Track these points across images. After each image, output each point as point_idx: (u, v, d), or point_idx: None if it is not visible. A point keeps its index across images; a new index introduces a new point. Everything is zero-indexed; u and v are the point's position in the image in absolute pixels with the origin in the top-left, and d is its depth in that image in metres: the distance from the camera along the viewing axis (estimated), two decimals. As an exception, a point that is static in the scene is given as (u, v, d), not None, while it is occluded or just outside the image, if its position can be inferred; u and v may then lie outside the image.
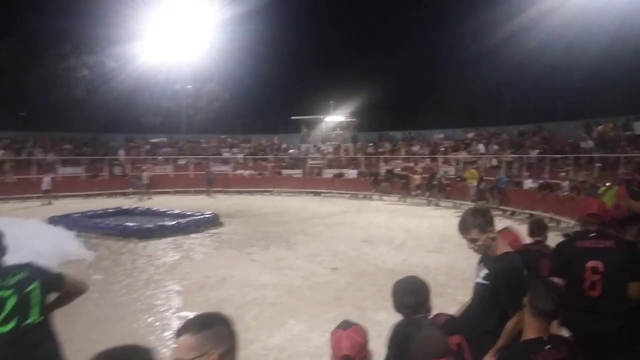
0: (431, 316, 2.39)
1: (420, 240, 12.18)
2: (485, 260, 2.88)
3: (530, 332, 2.27)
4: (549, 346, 2.17)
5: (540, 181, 16.47)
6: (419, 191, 20.80)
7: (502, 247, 2.83)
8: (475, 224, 2.76)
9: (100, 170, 25.96)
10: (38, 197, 21.35)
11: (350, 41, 44.73)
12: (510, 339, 2.57)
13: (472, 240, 2.78)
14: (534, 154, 20.64)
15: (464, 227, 2.80)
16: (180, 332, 1.51)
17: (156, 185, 24.32)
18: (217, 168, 27.07)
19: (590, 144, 18.54)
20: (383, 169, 24.53)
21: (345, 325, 2.03)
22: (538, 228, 4.19)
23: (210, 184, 24.39)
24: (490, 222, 2.80)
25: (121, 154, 27.82)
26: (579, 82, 26.53)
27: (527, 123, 24.91)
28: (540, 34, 26.99)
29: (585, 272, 3.02)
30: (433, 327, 1.99)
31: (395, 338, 2.06)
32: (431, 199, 20.14)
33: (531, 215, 15.37)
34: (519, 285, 2.60)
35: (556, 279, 2.99)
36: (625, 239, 3.51)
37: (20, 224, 10.78)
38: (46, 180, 21.27)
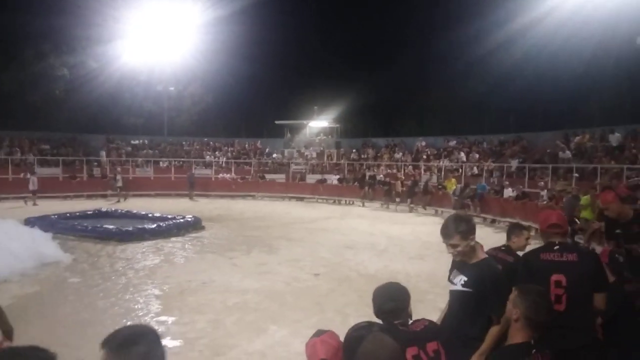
0: (411, 322, 2.39)
1: (402, 247, 12.24)
2: (461, 267, 2.89)
3: (519, 337, 2.27)
4: (534, 350, 2.19)
5: (516, 191, 16.69)
6: (400, 198, 20.92)
7: (481, 254, 2.86)
8: (458, 230, 2.80)
9: (78, 171, 25.49)
10: (15, 198, 20.94)
11: (335, 47, 44.97)
12: (495, 344, 2.58)
13: (453, 246, 2.81)
14: (514, 163, 21.00)
15: (447, 233, 2.83)
16: (102, 344, 1.50)
17: (131, 187, 24.02)
18: (199, 171, 26.88)
19: (568, 154, 18.93)
20: (367, 174, 24.63)
21: (319, 333, 2.06)
22: (506, 233, 4.23)
23: (192, 187, 24.17)
24: (472, 230, 2.85)
25: (102, 155, 27.40)
26: (558, 93, 27.19)
27: (507, 133, 25.35)
28: (522, 47, 27.64)
29: (549, 286, 2.99)
30: (383, 333, 1.96)
31: (345, 342, 2.07)
32: (412, 205, 20.29)
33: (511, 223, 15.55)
34: (503, 290, 2.63)
35: None
36: (589, 249, 3.54)
37: (-5, 225, 10.52)
38: (33, 180, 21.05)
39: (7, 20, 29.71)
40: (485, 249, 3.34)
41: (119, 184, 22.92)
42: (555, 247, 3.13)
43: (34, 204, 20.08)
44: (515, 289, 2.41)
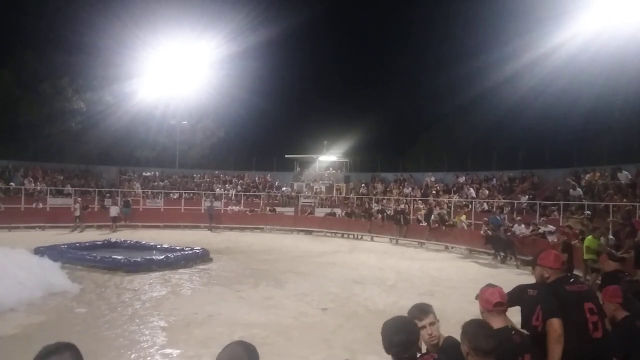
0: (419, 355, 2.39)
1: (412, 282, 12.07)
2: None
3: None
4: None
5: (532, 227, 16.44)
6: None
7: (442, 334, 2.81)
8: (431, 309, 2.80)
9: (90, 202, 25.71)
10: (26, 227, 21.38)
11: (344, 83, 45.91)
12: None
13: (432, 324, 2.75)
14: (524, 199, 20.84)
15: (425, 309, 2.77)
16: None
17: (140, 218, 24.33)
18: (209, 204, 26.99)
19: (579, 191, 18.78)
20: (375, 209, 24.58)
21: None
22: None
23: (212, 219, 24.49)
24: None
25: (137, 187, 28.00)
26: (566, 130, 27.27)
27: (516, 169, 25.27)
28: (528, 83, 27.95)
29: (585, 314, 3.05)
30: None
31: None
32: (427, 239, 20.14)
33: (522, 260, 15.33)
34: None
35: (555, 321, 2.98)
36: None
37: (6, 254, 10.59)
38: (114, 209, 23.19)
39: (30, 56, 30.94)
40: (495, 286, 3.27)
41: (77, 213, 22.46)
42: (571, 280, 3.29)
43: (114, 231, 22.07)
44: (462, 328, 2.44)
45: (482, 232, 17.61)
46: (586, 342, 2.98)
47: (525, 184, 22.96)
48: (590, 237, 11.31)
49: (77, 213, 22.56)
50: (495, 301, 2.82)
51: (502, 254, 16.49)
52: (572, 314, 3.06)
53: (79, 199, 23.96)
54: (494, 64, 28.05)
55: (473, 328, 2.39)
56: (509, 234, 16.55)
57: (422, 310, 2.78)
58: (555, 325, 2.97)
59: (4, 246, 12.35)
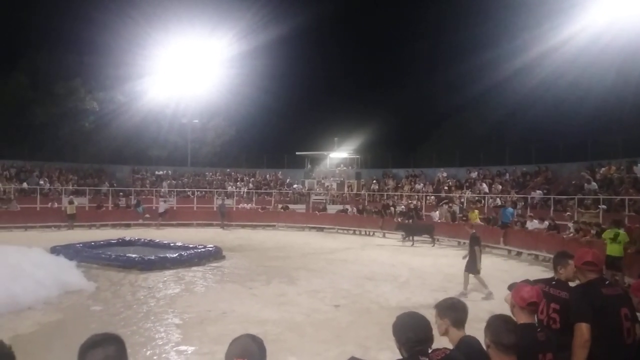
0: (430, 351, 2.37)
1: (424, 279, 12.01)
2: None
3: None
4: None
5: (547, 222, 16.28)
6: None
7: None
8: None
9: (104, 201, 26.01)
10: (42, 226, 21.66)
11: (355, 80, 45.76)
12: None
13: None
14: (538, 194, 20.62)
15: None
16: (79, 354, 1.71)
17: (153, 217, 24.53)
18: (220, 202, 27.14)
19: (594, 185, 18.51)
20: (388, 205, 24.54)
21: None
22: (552, 264, 3.89)
23: (224, 217, 24.66)
24: None
25: (164, 186, 28.42)
26: (578, 123, 26.89)
27: (529, 163, 25.00)
28: (540, 75, 27.59)
29: (621, 320, 2.96)
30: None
31: None
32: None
33: (537, 256, 15.21)
34: None
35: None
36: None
37: (23, 253, 10.76)
38: (163, 205, 24.66)
39: (42, 57, 31.33)
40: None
41: (69, 212, 22.36)
42: (607, 283, 3.18)
43: (160, 226, 23.46)
44: (486, 322, 2.48)
45: (395, 219, 21.42)
46: (619, 349, 2.92)
47: (539, 179, 22.71)
48: (611, 229, 11.09)
49: (73, 211, 22.52)
50: (530, 300, 2.80)
51: (411, 237, 19.03)
52: (608, 320, 2.96)
53: (72, 197, 24.03)
54: (504, 57, 27.77)
55: (497, 322, 2.45)
56: (423, 218, 20.68)
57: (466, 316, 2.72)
58: (584, 330, 2.90)
59: (20, 245, 12.58)
